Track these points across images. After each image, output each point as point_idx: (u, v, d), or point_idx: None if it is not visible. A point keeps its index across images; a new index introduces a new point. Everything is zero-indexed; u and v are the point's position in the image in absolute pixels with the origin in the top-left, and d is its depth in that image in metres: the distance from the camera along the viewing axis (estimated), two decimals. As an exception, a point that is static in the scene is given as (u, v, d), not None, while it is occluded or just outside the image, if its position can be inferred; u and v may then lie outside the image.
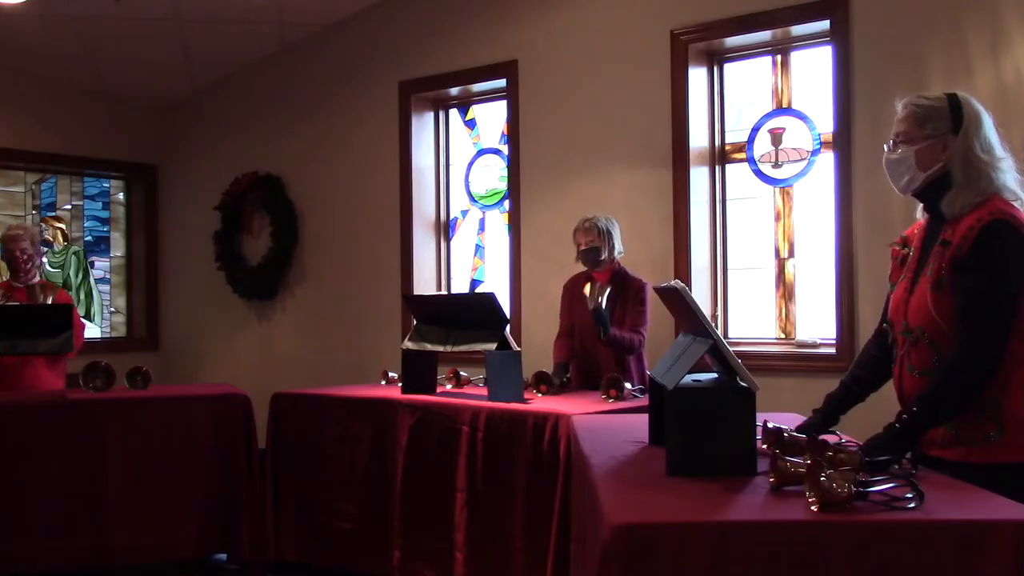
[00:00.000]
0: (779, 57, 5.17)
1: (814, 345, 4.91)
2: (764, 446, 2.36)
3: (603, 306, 4.46)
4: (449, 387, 4.62)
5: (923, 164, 2.39)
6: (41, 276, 5.33)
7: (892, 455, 2.17)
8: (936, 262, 2.33)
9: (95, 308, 7.89)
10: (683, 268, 5.19)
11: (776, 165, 5.14)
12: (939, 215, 2.41)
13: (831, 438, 2.40)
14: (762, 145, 5.19)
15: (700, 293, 5.20)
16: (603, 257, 4.63)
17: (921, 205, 2.50)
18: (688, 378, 2.30)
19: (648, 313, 4.61)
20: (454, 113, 6.58)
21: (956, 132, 2.36)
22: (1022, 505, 1.85)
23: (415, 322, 4.76)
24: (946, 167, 2.37)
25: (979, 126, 2.36)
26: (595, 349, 4.63)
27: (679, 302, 2.47)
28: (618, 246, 4.69)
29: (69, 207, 7.82)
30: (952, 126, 2.36)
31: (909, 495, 1.83)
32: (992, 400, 2.26)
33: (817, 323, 4.98)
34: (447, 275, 6.57)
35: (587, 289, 4.56)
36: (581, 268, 4.79)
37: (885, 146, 2.49)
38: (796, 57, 5.13)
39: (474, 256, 6.49)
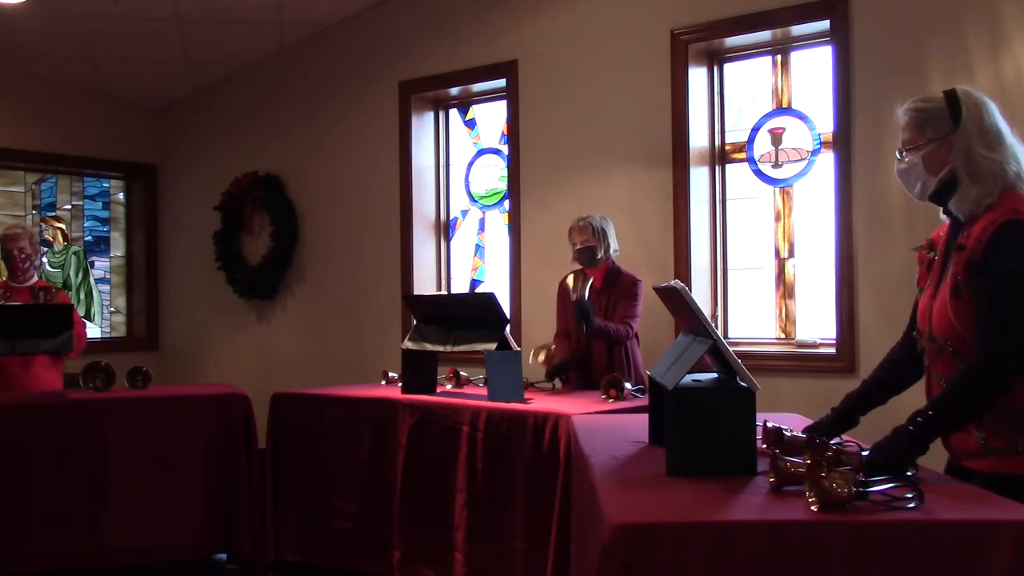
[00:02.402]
0: (779, 57, 5.17)
1: (814, 345, 4.91)
2: (764, 446, 2.36)
3: (585, 298, 4.46)
4: (449, 387, 4.63)
5: (932, 168, 2.32)
6: (40, 276, 5.33)
7: (902, 461, 2.11)
8: (953, 268, 2.26)
9: (95, 308, 7.89)
10: (683, 268, 5.19)
11: (776, 165, 5.14)
12: (955, 217, 2.34)
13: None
14: (762, 145, 5.19)
15: (700, 293, 5.20)
16: (599, 256, 4.64)
17: (941, 208, 2.41)
18: (688, 378, 2.30)
19: (639, 308, 4.62)
20: (454, 113, 6.58)
21: (956, 128, 2.28)
22: (1022, 505, 1.85)
23: (415, 322, 4.76)
24: (953, 167, 2.29)
25: (980, 119, 2.28)
26: (588, 347, 4.64)
27: (679, 302, 2.47)
28: (613, 244, 4.69)
29: (69, 207, 7.82)
30: (953, 124, 2.29)
31: (909, 495, 1.83)
32: (1021, 409, 2.19)
33: (817, 323, 4.98)
34: (447, 275, 6.57)
35: (570, 280, 4.55)
36: (577, 267, 4.80)
37: (897, 155, 2.42)
38: (796, 57, 5.13)
39: (474, 256, 6.49)
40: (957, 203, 2.30)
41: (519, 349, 4.41)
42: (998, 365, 2.16)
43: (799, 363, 4.86)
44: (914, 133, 2.35)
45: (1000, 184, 2.25)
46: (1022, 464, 2.19)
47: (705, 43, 5.22)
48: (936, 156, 2.32)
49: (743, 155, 5.25)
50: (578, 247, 4.66)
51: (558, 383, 4.57)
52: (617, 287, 4.62)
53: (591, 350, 4.63)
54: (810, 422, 2.67)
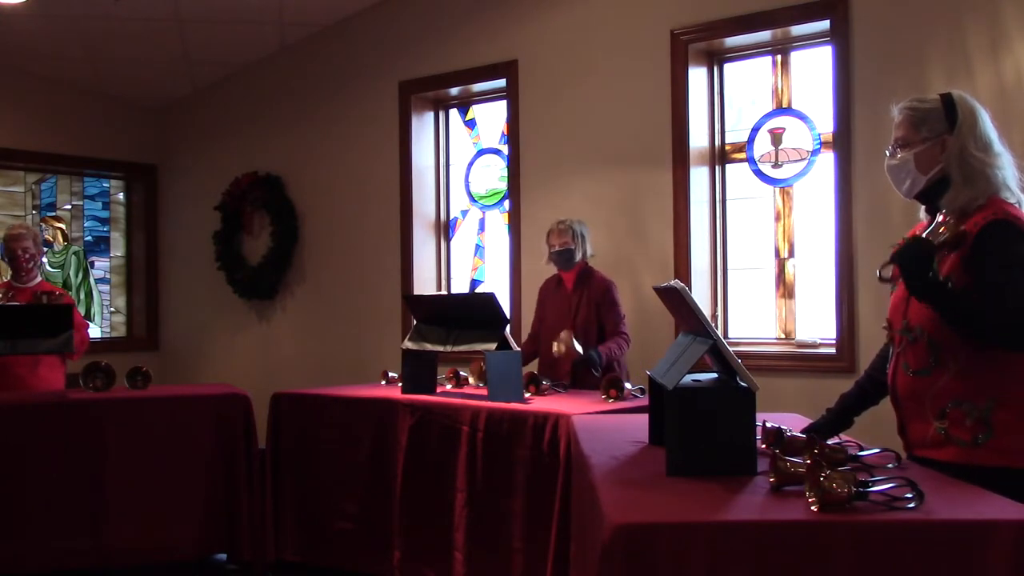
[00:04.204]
0: (779, 57, 5.17)
1: (814, 345, 4.91)
2: (764, 446, 2.37)
3: (580, 352, 4.51)
4: (449, 387, 4.62)
5: (923, 167, 2.39)
6: (41, 276, 5.33)
7: (908, 266, 2.22)
8: (947, 263, 2.30)
9: (95, 308, 7.89)
10: (683, 268, 5.19)
11: (776, 165, 5.14)
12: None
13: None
14: (762, 145, 5.19)
15: (700, 293, 5.20)
16: (576, 259, 4.76)
17: (923, 207, 2.50)
18: (688, 378, 2.30)
19: (622, 309, 4.74)
20: (454, 113, 6.58)
21: (952, 132, 2.36)
22: (1022, 505, 1.85)
23: (415, 322, 4.76)
24: (945, 168, 2.36)
25: (974, 124, 2.36)
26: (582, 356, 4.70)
27: (679, 302, 2.47)
28: (589, 250, 4.82)
29: (69, 207, 7.82)
30: (948, 126, 2.36)
31: (909, 495, 1.83)
32: (985, 402, 2.25)
33: (817, 323, 4.98)
34: (447, 275, 6.58)
35: (555, 348, 4.55)
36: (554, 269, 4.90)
37: (886, 151, 2.49)
38: (796, 57, 5.14)
39: (474, 256, 6.49)
40: (949, 202, 2.36)
41: (519, 349, 4.41)
42: (1011, 323, 2.20)
43: (799, 363, 4.86)
44: (909, 131, 2.42)
45: (991, 188, 2.33)
46: (983, 455, 2.25)
47: (705, 43, 5.22)
48: (928, 155, 2.39)
49: (743, 155, 5.25)
50: (556, 249, 4.76)
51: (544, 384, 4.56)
52: (592, 291, 4.71)
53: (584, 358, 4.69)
54: (810, 422, 2.68)
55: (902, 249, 2.26)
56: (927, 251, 2.24)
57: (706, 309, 5.14)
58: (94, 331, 7.74)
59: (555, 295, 4.87)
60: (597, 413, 3.72)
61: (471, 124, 6.52)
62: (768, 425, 2.44)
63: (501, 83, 6.05)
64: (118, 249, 8.09)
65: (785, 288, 5.16)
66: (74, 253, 7.83)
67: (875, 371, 2.63)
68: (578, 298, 4.73)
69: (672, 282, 2.51)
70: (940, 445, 2.31)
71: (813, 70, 5.07)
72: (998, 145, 2.37)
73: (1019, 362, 2.26)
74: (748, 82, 5.32)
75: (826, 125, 4.89)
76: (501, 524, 3.87)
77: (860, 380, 2.66)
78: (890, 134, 2.50)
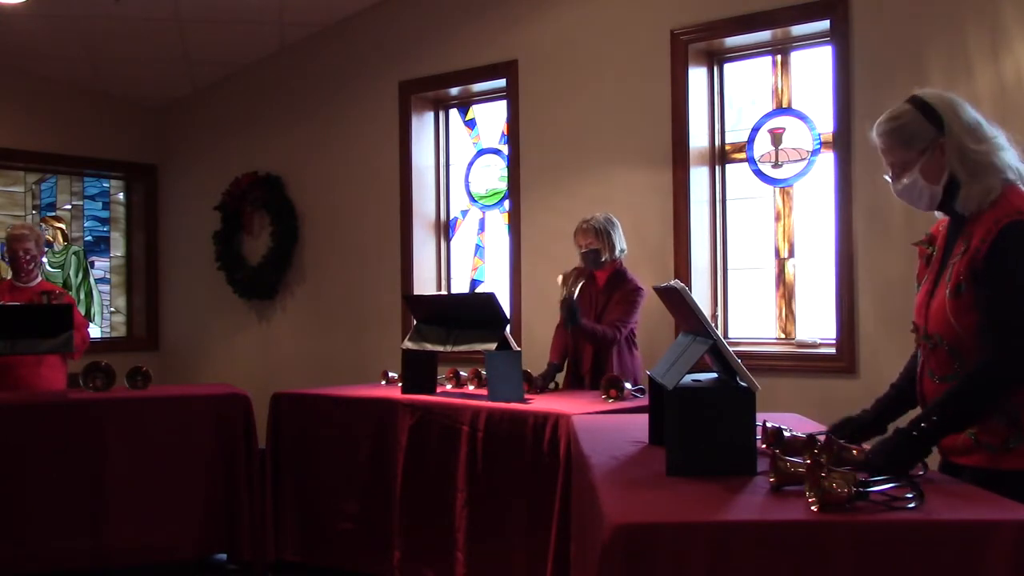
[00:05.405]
0: (779, 57, 5.17)
1: (814, 345, 4.91)
2: (764, 446, 2.37)
3: (574, 296, 4.46)
4: (449, 387, 4.63)
5: (932, 178, 2.31)
6: (42, 277, 5.33)
7: (903, 465, 2.09)
8: (955, 267, 2.25)
9: (95, 308, 7.89)
10: (683, 268, 5.19)
11: (776, 165, 5.14)
12: (958, 215, 2.33)
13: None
14: (762, 145, 5.19)
15: (700, 293, 5.20)
16: (604, 258, 4.64)
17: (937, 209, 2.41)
18: (688, 378, 2.30)
19: (635, 314, 4.61)
20: (454, 113, 6.58)
21: (943, 132, 2.28)
22: (1022, 505, 1.85)
23: (415, 322, 4.76)
24: (951, 170, 2.28)
25: (958, 116, 2.28)
26: (581, 345, 4.66)
27: (679, 302, 2.47)
28: (619, 245, 4.68)
29: (69, 207, 7.82)
30: (936, 130, 2.28)
31: (909, 495, 1.83)
32: (1014, 405, 2.19)
33: (817, 323, 4.98)
34: (447, 275, 6.58)
35: (559, 279, 4.56)
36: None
37: (886, 177, 2.41)
38: (796, 57, 5.13)
39: (474, 256, 6.49)
40: (963, 203, 2.29)
41: (519, 349, 4.41)
42: (1004, 366, 2.16)
43: (799, 363, 4.86)
44: (901, 152, 2.33)
45: (999, 175, 2.25)
46: (1013, 460, 2.20)
47: (705, 43, 5.22)
48: (933, 165, 2.31)
49: (743, 155, 5.25)
50: (583, 250, 4.66)
51: (540, 383, 4.56)
52: (617, 291, 4.63)
53: (580, 351, 4.65)
54: (809, 422, 2.67)
55: (884, 470, 2.09)
56: (894, 457, 2.14)
57: (706, 309, 5.14)
58: (94, 331, 7.73)
59: (584, 285, 4.70)
60: (597, 413, 3.72)
61: (471, 124, 6.51)
62: (768, 425, 2.44)
63: (501, 83, 6.05)
64: (118, 249, 8.09)
65: (785, 288, 5.16)
66: (74, 253, 7.83)
67: (910, 371, 2.50)
68: (606, 298, 4.64)
69: (672, 282, 2.50)
70: (971, 451, 2.25)
71: (813, 70, 5.07)
72: (988, 128, 2.30)
73: None
74: (748, 82, 5.31)
75: (826, 125, 4.89)
76: (501, 524, 3.87)
77: (895, 381, 2.55)
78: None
